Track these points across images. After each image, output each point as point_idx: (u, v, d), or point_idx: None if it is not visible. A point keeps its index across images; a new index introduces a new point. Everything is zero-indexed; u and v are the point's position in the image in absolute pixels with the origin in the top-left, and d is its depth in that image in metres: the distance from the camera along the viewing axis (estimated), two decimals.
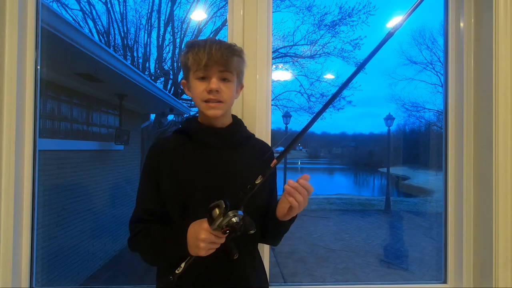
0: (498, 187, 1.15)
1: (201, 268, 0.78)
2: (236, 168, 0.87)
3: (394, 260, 5.09)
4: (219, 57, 0.81)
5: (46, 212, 3.36)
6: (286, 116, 8.36)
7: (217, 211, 0.69)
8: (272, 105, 1.29)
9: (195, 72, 0.84)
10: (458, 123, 1.29)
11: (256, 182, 0.73)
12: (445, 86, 1.35)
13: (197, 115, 0.94)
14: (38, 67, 1.20)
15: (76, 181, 3.97)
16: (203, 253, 0.73)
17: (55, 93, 3.60)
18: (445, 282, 1.31)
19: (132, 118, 5.60)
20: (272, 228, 0.88)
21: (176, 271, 0.75)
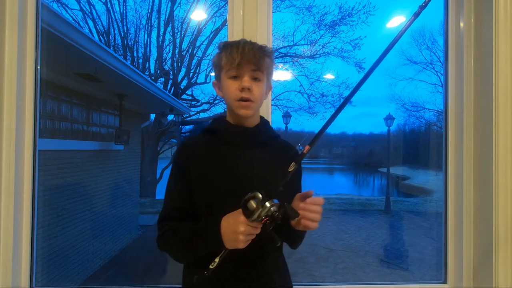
0: (498, 187, 1.15)
1: (229, 264, 0.77)
2: (262, 168, 0.87)
3: (394, 260, 5.10)
4: (252, 56, 0.83)
5: (46, 212, 3.36)
6: (286, 116, 8.37)
7: (253, 203, 0.69)
8: (272, 105, 1.30)
9: (228, 71, 0.85)
10: (458, 123, 1.29)
11: (289, 170, 0.73)
12: (445, 86, 1.35)
13: (225, 114, 0.95)
14: (38, 67, 1.20)
15: (76, 181, 3.97)
16: (241, 246, 0.73)
17: (55, 93, 3.60)
18: (445, 282, 1.31)
19: (132, 118, 5.60)
20: (290, 235, 0.88)
21: (210, 266, 0.74)
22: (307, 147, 0.73)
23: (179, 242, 0.83)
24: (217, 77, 0.91)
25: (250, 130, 0.91)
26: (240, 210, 0.71)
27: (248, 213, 0.69)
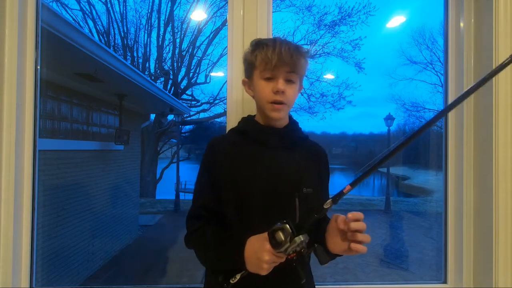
0: (498, 187, 1.15)
1: (257, 280, 0.74)
2: (291, 170, 0.86)
3: (394, 260, 5.09)
4: (289, 58, 0.80)
5: (46, 212, 3.36)
6: None
7: (281, 235, 0.65)
8: None
9: (262, 71, 0.83)
10: (458, 123, 1.29)
11: (325, 207, 0.69)
12: (445, 86, 1.35)
13: (253, 115, 0.94)
14: (38, 67, 1.20)
15: (76, 181, 3.97)
16: (264, 273, 0.69)
17: (55, 93, 3.60)
18: (445, 282, 1.31)
19: (132, 118, 5.60)
20: (326, 254, 0.80)
21: (231, 281, 0.73)
22: (348, 187, 0.68)
23: (203, 249, 0.82)
24: (248, 75, 0.89)
25: (280, 131, 0.89)
26: (266, 236, 0.68)
27: (275, 244, 0.66)
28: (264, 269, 0.69)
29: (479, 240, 1.23)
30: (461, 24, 1.28)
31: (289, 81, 0.84)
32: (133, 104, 5.43)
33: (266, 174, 0.84)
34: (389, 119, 8.16)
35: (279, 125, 0.90)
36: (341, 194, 0.68)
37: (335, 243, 0.74)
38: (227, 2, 1.23)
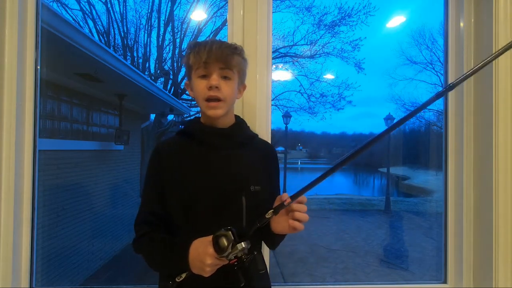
0: (498, 187, 1.15)
1: (201, 280, 0.77)
2: (239, 169, 0.87)
3: (394, 260, 5.09)
4: (219, 54, 0.82)
5: (46, 212, 3.36)
6: (286, 116, 8.37)
7: (224, 241, 0.69)
8: (272, 105, 1.29)
9: (196, 70, 0.85)
10: (458, 123, 1.29)
11: (267, 217, 0.73)
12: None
13: (199, 116, 0.94)
14: (38, 67, 1.20)
15: (76, 181, 3.97)
16: (207, 275, 0.73)
17: (55, 93, 3.60)
18: (445, 282, 1.31)
19: (132, 118, 5.60)
20: (270, 237, 0.87)
21: (177, 279, 0.76)
22: (288, 200, 0.73)
23: (150, 253, 0.83)
24: (188, 77, 0.91)
25: (225, 131, 0.90)
26: (210, 240, 0.70)
27: (218, 250, 0.69)
28: (207, 272, 0.72)
29: (479, 240, 1.23)
30: (461, 24, 1.28)
31: (225, 77, 0.85)
32: (133, 104, 5.43)
33: (210, 175, 0.85)
34: (389, 119, 8.16)
35: (223, 124, 0.90)
36: (282, 205, 0.73)
37: (277, 221, 0.79)
38: (227, 2, 1.23)
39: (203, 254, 0.72)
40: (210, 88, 0.83)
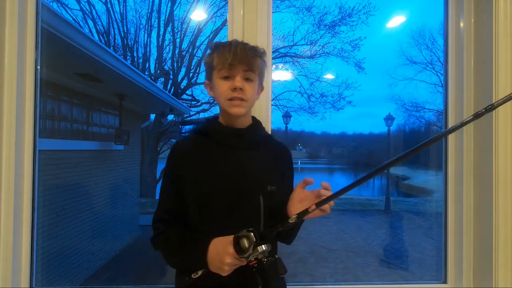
0: (498, 187, 1.15)
1: (218, 279, 0.77)
2: (255, 169, 0.87)
3: (394, 260, 5.09)
4: (244, 56, 0.83)
5: (46, 212, 3.36)
6: (286, 116, 8.37)
7: (245, 242, 0.68)
8: (272, 105, 1.30)
9: (220, 71, 0.85)
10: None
11: (290, 222, 0.72)
12: (445, 86, 1.35)
13: (217, 115, 0.95)
14: (38, 67, 1.20)
15: (76, 181, 3.97)
16: (225, 274, 0.73)
17: (55, 93, 3.60)
18: (445, 282, 1.31)
19: (132, 118, 5.60)
20: (287, 234, 0.87)
21: (193, 276, 0.76)
22: (312, 207, 0.72)
23: (168, 250, 0.84)
24: (209, 77, 0.91)
25: (242, 131, 0.90)
26: (231, 240, 0.71)
27: (239, 250, 0.69)
28: (225, 271, 0.72)
29: (479, 240, 1.23)
30: (461, 24, 1.28)
31: (247, 79, 0.85)
32: (133, 104, 5.43)
33: (227, 175, 0.85)
34: (389, 119, 8.16)
35: (241, 125, 0.91)
36: (306, 211, 0.72)
37: (296, 206, 0.79)
38: (227, 2, 1.23)
39: (222, 253, 0.72)
40: (234, 89, 0.84)
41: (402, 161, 0.68)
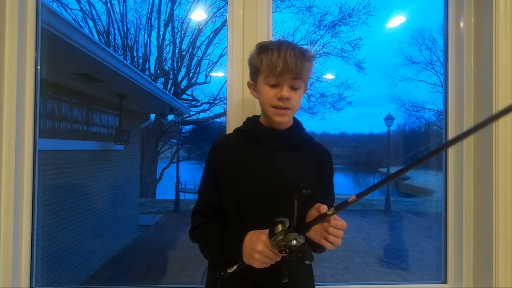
0: (498, 187, 1.15)
1: (253, 272, 0.77)
2: (293, 171, 0.87)
3: (394, 260, 5.10)
4: (293, 65, 0.80)
5: (46, 212, 3.36)
6: None
7: (279, 227, 0.68)
8: None
9: (267, 77, 0.83)
10: (458, 123, 1.29)
11: (328, 213, 0.69)
12: (445, 86, 1.35)
13: (258, 115, 0.94)
14: (38, 67, 1.20)
15: (76, 181, 3.97)
16: (256, 265, 0.73)
17: (55, 93, 3.60)
18: (445, 282, 1.31)
19: (132, 118, 5.60)
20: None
21: (228, 270, 0.76)
22: (353, 197, 0.68)
23: (205, 243, 0.85)
24: (253, 78, 0.89)
25: (283, 133, 0.89)
26: (266, 230, 0.71)
27: (271, 233, 0.69)
28: (256, 259, 0.72)
29: (479, 240, 1.23)
30: (461, 24, 1.28)
31: (293, 88, 0.83)
32: (133, 104, 5.43)
33: (263, 175, 0.85)
34: (389, 119, 8.16)
35: (282, 127, 0.90)
36: (345, 203, 0.69)
37: (314, 229, 0.76)
38: (227, 2, 1.23)
39: (256, 240, 0.73)
40: (281, 99, 0.82)
41: (410, 170, 0.66)
